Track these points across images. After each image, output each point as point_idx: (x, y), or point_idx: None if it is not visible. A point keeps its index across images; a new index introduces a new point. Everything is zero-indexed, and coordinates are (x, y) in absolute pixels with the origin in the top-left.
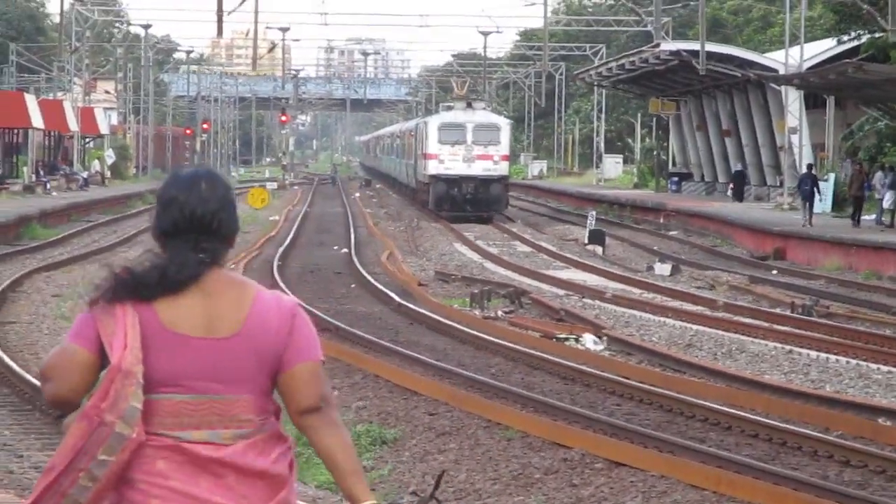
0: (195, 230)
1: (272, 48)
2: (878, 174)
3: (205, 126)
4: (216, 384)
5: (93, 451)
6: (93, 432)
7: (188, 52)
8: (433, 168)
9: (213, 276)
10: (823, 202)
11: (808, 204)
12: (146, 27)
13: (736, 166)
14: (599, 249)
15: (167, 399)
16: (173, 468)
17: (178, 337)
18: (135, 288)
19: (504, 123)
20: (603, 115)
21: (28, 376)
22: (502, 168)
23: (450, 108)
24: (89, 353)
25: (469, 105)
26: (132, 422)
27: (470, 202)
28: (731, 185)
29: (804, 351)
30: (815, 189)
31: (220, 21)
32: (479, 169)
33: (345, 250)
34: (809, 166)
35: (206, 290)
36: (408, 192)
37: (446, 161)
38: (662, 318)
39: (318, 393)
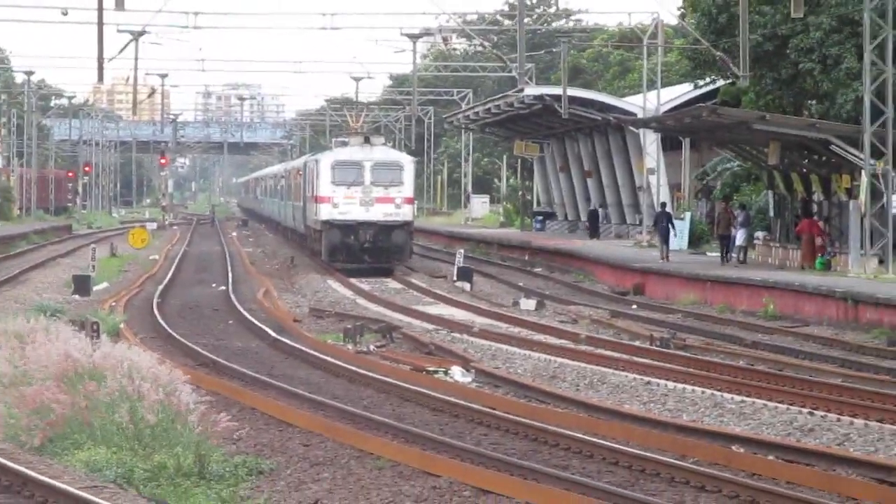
0: None
1: (151, 93)
2: (738, 212)
3: (86, 169)
4: None
5: None
6: None
7: (70, 98)
8: (326, 213)
9: None
10: (679, 239)
11: (664, 240)
12: (28, 74)
13: (591, 206)
14: (467, 286)
15: None
16: None
17: None
18: None
19: (407, 161)
20: (470, 157)
21: None
22: (406, 212)
23: (344, 144)
24: None
25: (367, 140)
26: None
27: (369, 252)
28: (588, 224)
29: (662, 382)
30: (671, 226)
31: (100, 67)
32: (379, 213)
33: (222, 288)
34: (663, 205)
35: None
36: (295, 239)
37: (341, 205)
38: (527, 352)
39: None
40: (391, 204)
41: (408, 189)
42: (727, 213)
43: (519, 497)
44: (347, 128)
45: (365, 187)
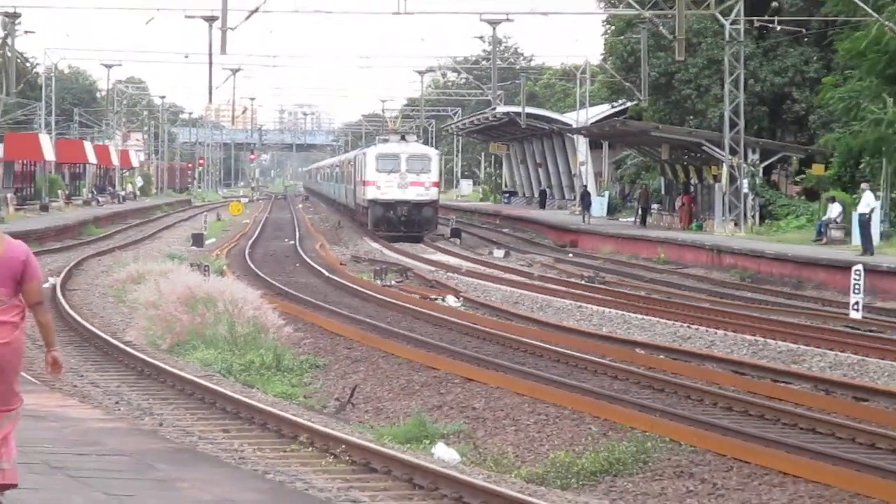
0: None
1: (244, 111)
2: (639, 191)
3: (200, 161)
4: None
5: None
6: None
7: (189, 113)
8: (372, 193)
9: None
10: (600, 209)
11: (586, 210)
12: (162, 97)
13: (541, 187)
14: (458, 241)
15: None
16: None
17: None
18: None
19: (434, 154)
20: (459, 154)
21: (86, 324)
22: (433, 193)
23: (386, 141)
24: None
25: (403, 138)
26: None
27: (404, 223)
28: (538, 199)
29: (589, 306)
30: (590, 201)
31: (210, 92)
32: (412, 194)
33: (292, 242)
34: (584, 187)
35: None
36: (345, 212)
37: (383, 187)
38: (498, 285)
39: (40, 296)
40: (422, 187)
41: (434, 175)
42: (645, 192)
43: (492, 383)
44: (387, 130)
45: (402, 174)
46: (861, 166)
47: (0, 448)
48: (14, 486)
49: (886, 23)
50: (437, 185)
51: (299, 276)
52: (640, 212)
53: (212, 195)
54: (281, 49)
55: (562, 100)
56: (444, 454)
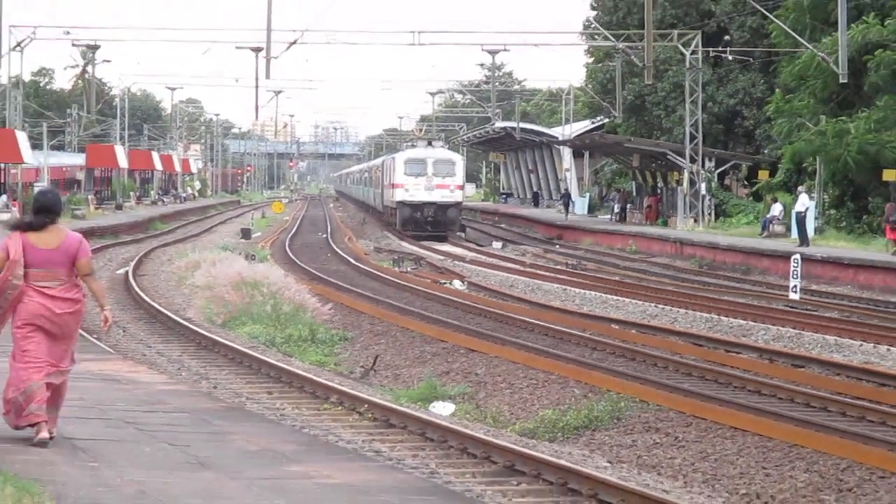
0: (45, 210)
1: (285, 125)
2: (614, 193)
3: (248, 168)
4: (50, 265)
5: (4, 290)
6: (5, 284)
7: (239, 128)
8: (400, 195)
9: (51, 226)
10: (582, 208)
11: (566, 209)
12: (216, 115)
13: (533, 189)
14: (463, 235)
15: (33, 271)
16: (34, 296)
17: (36, 248)
18: (23, 227)
19: (458, 159)
20: (464, 160)
21: (154, 303)
22: (457, 195)
23: (413, 147)
24: (3, 254)
25: (430, 143)
26: (19, 278)
27: (430, 224)
28: (532, 200)
29: (573, 289)
30: (570, 201)
31: (256, 110)
32: (438, 196)
33: (325, 235)
34: (566, 189)
35: (48, 230)
36: (372, 213)
37: (411, 189)
38: (496, 271)
39: (89, 269)
40: (447, 189)
41: (459, 178)
42: (624, 195)
43: (492, 353)
44: (414, 136)
45: (428, 177)
46: (804, 165)
47: (58, 399)
48: (51, 437)
49: (819, 53)
50: (461, 187)
51: (331, 264)
52: (619, 210)
53: (257, 196)
54: (316, 74)
55: (550, 117)
56: (441, 409)
